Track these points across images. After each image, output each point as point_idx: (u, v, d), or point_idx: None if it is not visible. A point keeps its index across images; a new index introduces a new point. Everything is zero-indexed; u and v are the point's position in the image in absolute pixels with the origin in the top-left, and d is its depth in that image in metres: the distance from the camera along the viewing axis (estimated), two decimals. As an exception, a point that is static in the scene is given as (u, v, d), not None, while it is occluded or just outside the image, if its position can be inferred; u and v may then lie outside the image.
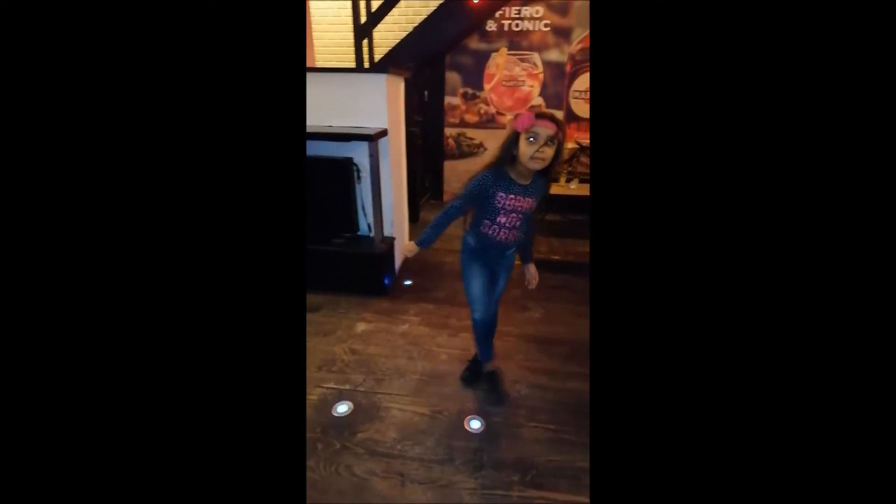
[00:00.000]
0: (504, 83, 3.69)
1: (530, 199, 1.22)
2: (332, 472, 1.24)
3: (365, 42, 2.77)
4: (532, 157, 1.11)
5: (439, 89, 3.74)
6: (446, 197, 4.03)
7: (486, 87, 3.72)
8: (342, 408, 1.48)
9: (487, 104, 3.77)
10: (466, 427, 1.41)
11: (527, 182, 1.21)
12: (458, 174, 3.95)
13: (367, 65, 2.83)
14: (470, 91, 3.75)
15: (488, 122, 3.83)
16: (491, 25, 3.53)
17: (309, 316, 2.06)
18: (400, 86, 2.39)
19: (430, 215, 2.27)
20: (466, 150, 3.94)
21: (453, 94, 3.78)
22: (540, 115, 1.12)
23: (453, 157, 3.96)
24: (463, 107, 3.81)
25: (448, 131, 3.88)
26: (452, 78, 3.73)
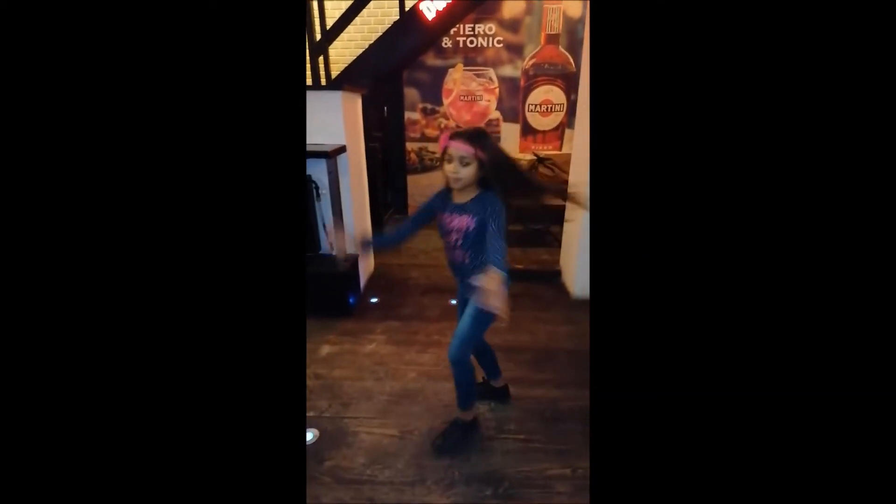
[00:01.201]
0: (462, 98, 3.77)
1: (466, 217, 1.18)
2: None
3: (321, 59, 2.75)
4: (449, 177, 1.15)
5: (398, 105, 3.77)
6: (411, 211, 4.03)
7: (445, 101, 3.78)
8: (307, 436, 1.42)
9: (447, 118, 3.83)
10: (436, 444, 1.39)
11: (464, 200, 1.19)
12: (421, 188, 3.97)
13: (323, 82, 2.80)
14: (429, 106, 3.80)
15: (448, 136, 3.89)
16: (446, 42, 3.61)
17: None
18: (357, 102, 2.39)
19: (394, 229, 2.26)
20: (429, 165, 3.97)
21: (413, 109, 3.81)
22: (455, 136, 1.12)
23: (416, 171, 3.98)
24: (423, 121, 3.85)
25: (410, 146, 3.90)
26: (411, 93, 3.77)
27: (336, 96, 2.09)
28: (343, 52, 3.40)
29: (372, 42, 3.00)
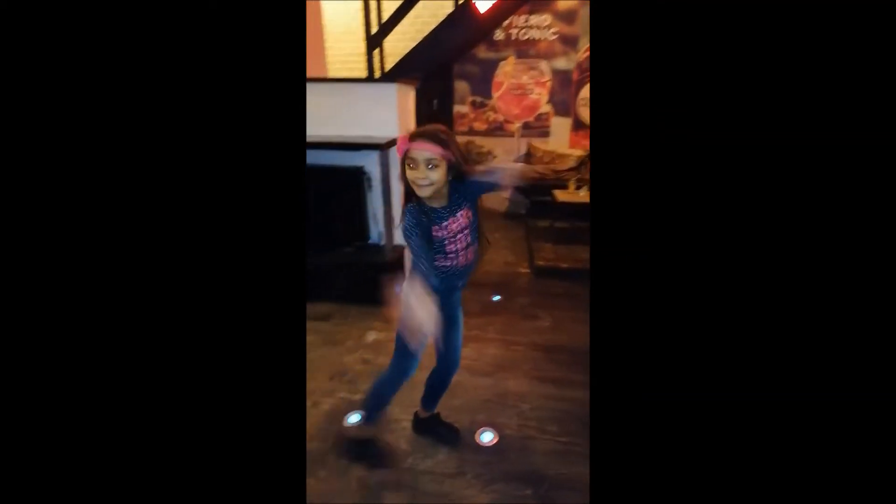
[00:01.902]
0: (512, 91, 3.71)
1: (463, 212, 1.07)
2: (343, 483, 1.24)
3: (376, 52, 2.80)
4: (414, 183, 0.98)
5: (448, 98, 3.77)
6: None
7: (495, 95, 3.74)
8: (354, 418, 1.48)
9: (496, 112, 3.78)
10: (477, 440, 1.40)
11: (444, 202, 1.06)
12: (466, 181, 3.97)
13: (377, 74, 2.85)
14: (478, 99, 3.78)
15: (496, 130, 3.85)
16: (499, 34, 3.55)
17: (319, 325, 2.07)
18: (410, 95, 2.41)
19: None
20: (475, 159, 3.96)
21: (462, 102, 3.80)
22: (416, 136, 0.98)
23: (461, 164, 3.98)
24: (471, 115, 3.83)
25: (457, 140, 3.90)
26: (461, 87, 3.76)
27: (391, 89, 2.13)
28: (396, 45, 3.44)
29: (426, 34, 3.01)
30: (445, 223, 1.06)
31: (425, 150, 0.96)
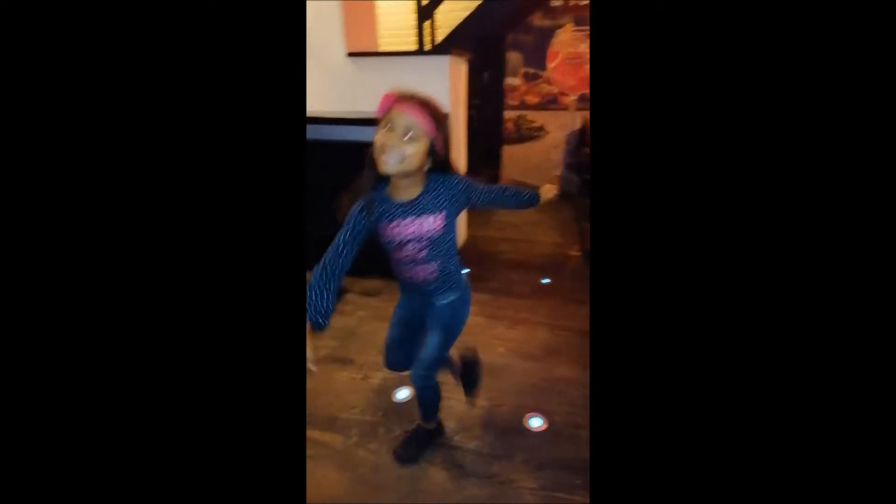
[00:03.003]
0: (569, 61, 3.48)
1: (425, 218, 0.86)
2: (391, 457, 1.27)
3: (427, 23, 2.71)
4: (382, 151, 0.78)
5: (499, 70, 3.61)
6: (503, 182, 3.94)
7: (550, 66, 3.53)
8: (402, 394, 1.51)
9: (550, 84, 3.58)
10: (526, 424, 1.38)
11: (412, 195, 0.86)
12: (517, 160, 3.83)
13: (428, 47, 2.77)
14: (531, 71, 3.59)
15: (550, 104, 3.66)
16: (556, 1, 3.32)
17: (367, 300, 2.11)
18: (462, 68, 2.32)
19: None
20: (526, 134, 3.80)
21: (514, 74, 3.63)
22: (405, 97, 0.79)
23: (512, 141, 3.84)
24: (523, 88, 3.65)
25: (508, 114, 3.75)
26: (513, 57, 3.58)
27: (443, 61, 2.05)
28: (448, 15, 3.32)
29: (478, 4, 2.87)
30: (397, 222, 0.86)
31: (409, 115, 0.78)
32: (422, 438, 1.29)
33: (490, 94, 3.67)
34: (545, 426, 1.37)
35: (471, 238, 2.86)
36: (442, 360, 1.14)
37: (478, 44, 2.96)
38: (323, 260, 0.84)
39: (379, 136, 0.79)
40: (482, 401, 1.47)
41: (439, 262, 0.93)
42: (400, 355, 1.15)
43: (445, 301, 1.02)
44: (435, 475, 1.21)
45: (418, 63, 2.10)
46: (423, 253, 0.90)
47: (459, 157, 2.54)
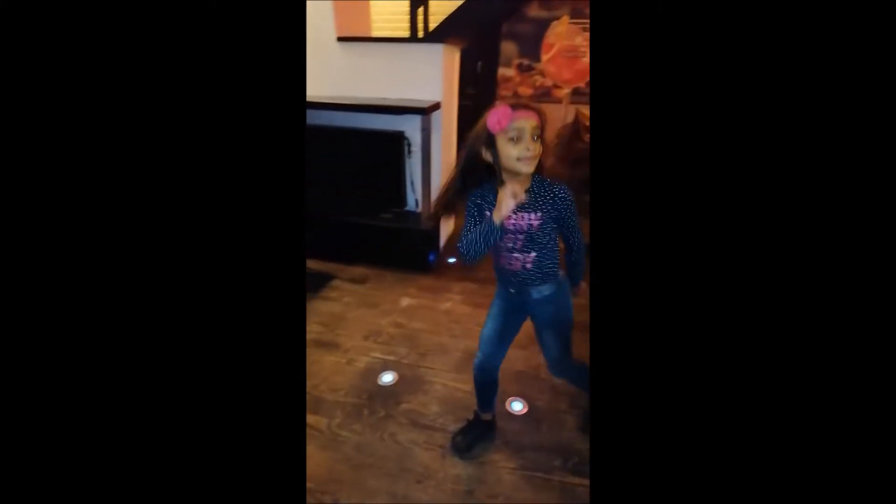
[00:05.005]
0: (564, 54, 3.48)
1: (528, 215, 0.94)
2: (376, 437, 1.30)
3: (420, 10, 2.69)
4: (520, 159, 0.87)
5: (493, 60, 3.60)
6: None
7: (544, 57, 3.53)
8: (387, 377, 1.53)
9: (544, 76, 3.58)
10: (508, 408, 1.41)
11: (525, 196, 0.94)
12: (507, 150, 3.84)
13: (421, 34, 2.75)
14: (526, 62, 3.58)
15: (543, 96, 3.66)
16: (553, -10, 3.31)
17: (355, 287, 2.12)
18: (455, 56, 2.32)
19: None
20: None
21: (508, 65, 3.62)
22: (517, 106, 0.88)
23: (503, 132, 3.84)
24: (517, 79, 3.65)
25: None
26: (508, 48, 3.57)
27: (437, 49, 2.04)
28: (442, 2, 3.29)
29: (474, -9, 2.84)
30: (512, 217, 0.93)
31: (531, 118, 0.87)
32: (481, 430, 1.30)
33: (484, 84, 3.66)
34: (525, 410, 1.41)
35: (458, 229, 2.87)
36: (570, 356, 1.15)
37: (472, 33, 2.94)
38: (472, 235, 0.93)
39: (511, 149, 0.88)
40: (466, 385, 1.50)
41: (535, 255, 0.99)
42: (494, 347, 1.15)
43: (541, 294, 1.05)
44: (419, 455, 1.24)
45: (411, 50, 2.09)
46: (519, 245, 0.98)
47: (451, 146, 2.54)
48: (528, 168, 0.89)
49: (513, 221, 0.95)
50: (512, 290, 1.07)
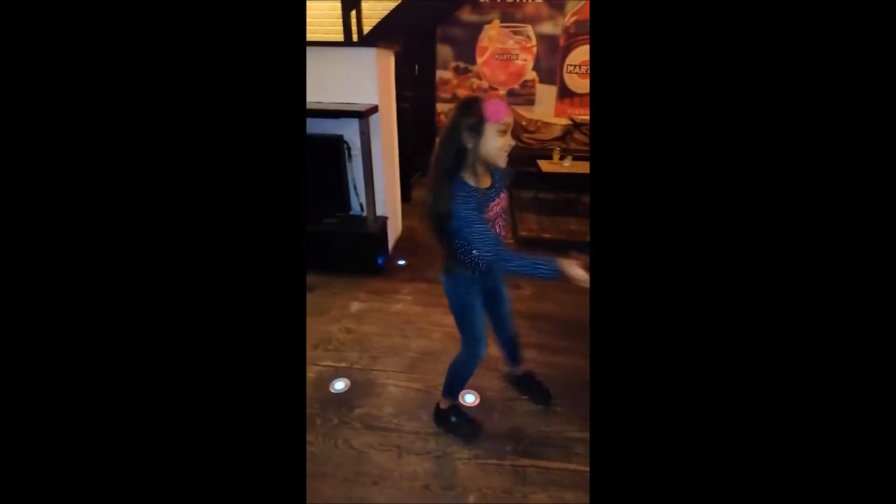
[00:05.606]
0: (497, 56, 3.61)
1: (503, 196, 1.07)
2: (330, 445, 1.28)
3: (353, 14, 2.67)
4: (502, 150, 0.95)
5: (430, 63, 3.65)
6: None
7: (479, 60, 3.64)
8: (339, 384, 1.52)
9: (480, 78, 3.69)
10: (461, 401, 1.45)
11: (489, 181, 1.03)
12: (450, 151, 3.91)
13: (355, 38, 2.73)
14: (462, 65, 3.67)
15: (481, 98, 3.77)
16: (483, -4, 3.42)
17: (303, 295, 2.07)
18: (390, 60, 2.33)
19: (421, 193, 2.26)
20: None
21: (444, 67, 3.69)
22: (504, 100, 1.01)
23: (445, 133, 3.91)
24: (455, 81, 3.73)
25: (440, 107, 3.81)
26: (444, 51, 3.64)
27: (370, 53, 2.05)
28: (375, 6, 3.28)
29: (406, -5, 2.87)
30: (493, 202, 1.02)
31: (513, 116, 0.96)
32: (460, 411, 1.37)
33: (422, 87, 3.70)
34: (478, 401, 1.46)
35: (407, 229, 2.89)
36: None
37: (406, 36, 2.97)
38: (490, 241, 0.97)
39: (499, 140, 0.94)
40: (419, 384, 1.52)
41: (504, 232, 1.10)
42: (485, 332, 1.22)
43: (514, 263, 1.04)
44: (374, 458, 1.25)
45: (345, 54, 2.07)
46: (501, 222, 1.08)
47: (392, 149, 2.55)
48: (504, 160, 0.98)
49: (498, 207, 1.05)
50: (484, 271, 1.12)
